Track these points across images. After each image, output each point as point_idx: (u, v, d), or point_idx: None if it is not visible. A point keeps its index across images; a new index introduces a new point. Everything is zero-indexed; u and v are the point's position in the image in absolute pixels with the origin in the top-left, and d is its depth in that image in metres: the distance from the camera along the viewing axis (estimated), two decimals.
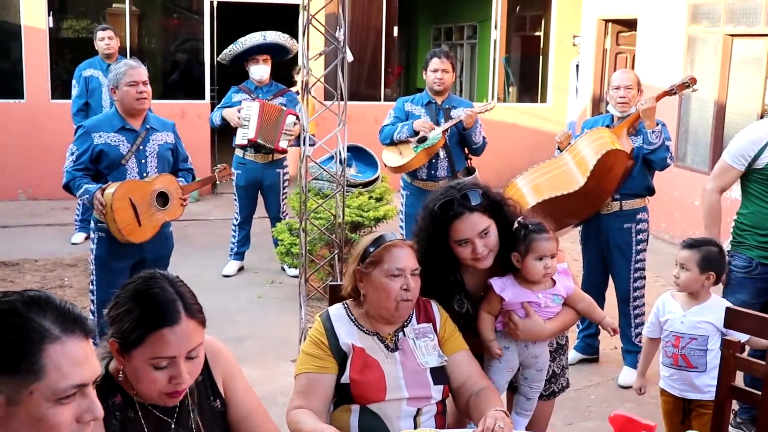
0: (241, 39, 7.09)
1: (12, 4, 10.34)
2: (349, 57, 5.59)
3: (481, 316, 3.08)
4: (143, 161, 4.75)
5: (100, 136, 4.69)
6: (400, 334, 2.88)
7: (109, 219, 4.56)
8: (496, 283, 3.04)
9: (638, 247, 5.30)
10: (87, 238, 8.05)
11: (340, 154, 5.18)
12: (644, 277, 5.40)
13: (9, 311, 1.60)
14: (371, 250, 2.85)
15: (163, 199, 4.71)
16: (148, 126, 4.79)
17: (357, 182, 6.88)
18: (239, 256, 7.53)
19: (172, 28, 11.79)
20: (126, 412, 2.16)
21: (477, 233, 2.95)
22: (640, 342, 5.10)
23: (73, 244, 8.23)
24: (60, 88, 10.39)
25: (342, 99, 5.10)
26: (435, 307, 3.00)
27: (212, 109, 8.23)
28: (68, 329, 1.62)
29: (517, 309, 3.05)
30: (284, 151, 7.13)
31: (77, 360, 1.62)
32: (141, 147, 4.74)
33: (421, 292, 2.89)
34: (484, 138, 6.08)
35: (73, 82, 8.04)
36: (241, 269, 7.52)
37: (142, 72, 4.71)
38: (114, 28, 8.26)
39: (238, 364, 2.42)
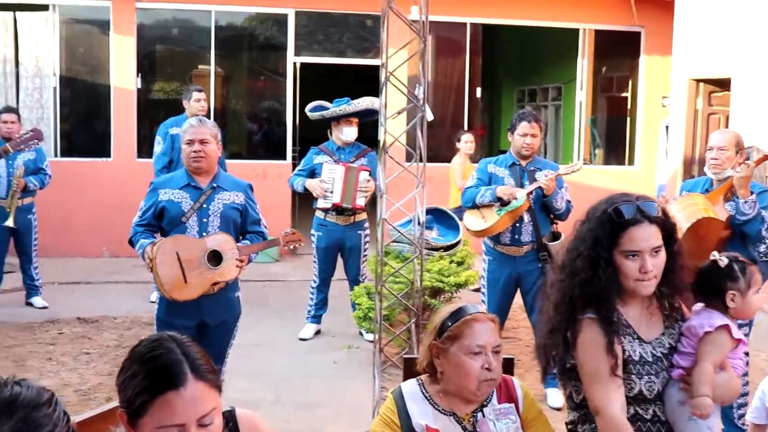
0: (338, 108, 7.00)
1: (103, 66, 10.69)
2: (429, 116, 5.43)
3: (705, 368, 2.64)
4: (205, 220, 4.62)
5: (166, 193, 4.66)
6: (479, 414, 2.65)
7: (154, 273, 4.48)
8: (732, 325, 2.74)
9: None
10: None
11: (418, 217, 5.00)
12: (747, 353, 5.01)
13: None
14: (449, 324, 2.65)
15: (216, 258, 4.56)
16: (214, 185, 4.68)
17: (438, 245, 6.68)
18: (316, 319, 7.38)
19: (256, 89, 11.94)
20: None
21: (650, 248, 2.61)
22: (743, 424, 4.72)
23: (151, 302, 8.19)
24: (145, 147, 10.58)
25: (421, 160, 4.94)
26: (518, 385, 2.77)
27: (293, 169, 8.20)
28: None
29: None
30: (362, 209, 7.00)
31: None
32: (204, 205, 4.62)
33: (578, 304, 2.60)
34: (568, 202, 5.81)
35: (158, 138, 8.10)
36: (318, 333, 7.36)
37: (201, 131, 4.62)
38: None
39: None
